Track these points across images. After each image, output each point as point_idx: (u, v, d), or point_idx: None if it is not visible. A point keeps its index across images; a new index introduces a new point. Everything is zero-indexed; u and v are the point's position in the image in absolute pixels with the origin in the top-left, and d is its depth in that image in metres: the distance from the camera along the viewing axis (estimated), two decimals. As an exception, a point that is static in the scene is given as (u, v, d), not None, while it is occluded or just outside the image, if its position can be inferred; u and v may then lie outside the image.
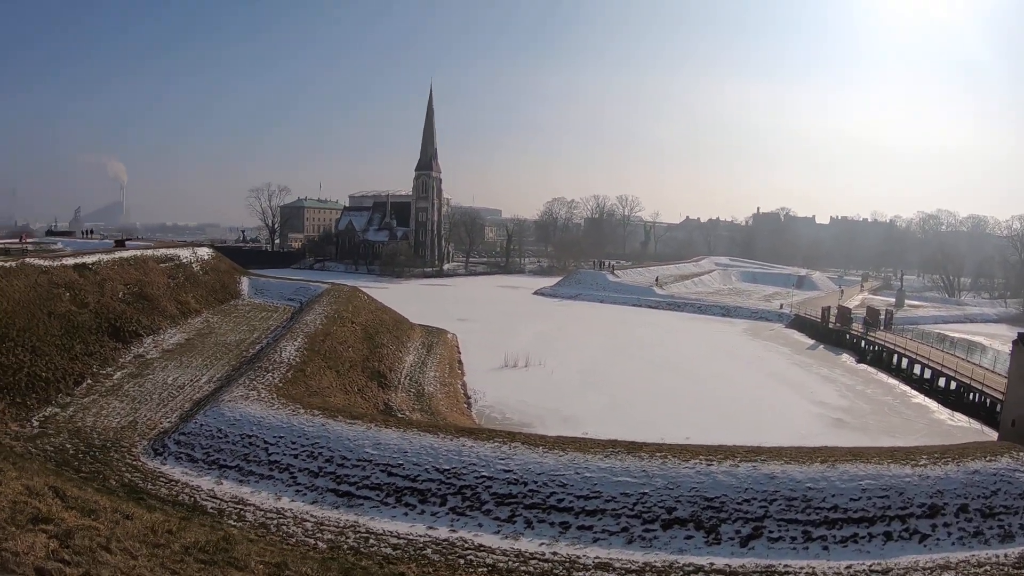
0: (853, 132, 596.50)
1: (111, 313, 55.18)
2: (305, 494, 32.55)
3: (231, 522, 27.60)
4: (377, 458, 34.00)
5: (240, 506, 30.45)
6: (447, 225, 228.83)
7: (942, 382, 73.19)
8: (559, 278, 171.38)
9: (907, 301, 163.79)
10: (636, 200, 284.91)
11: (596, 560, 27.01)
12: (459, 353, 77.48)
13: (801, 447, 38.03)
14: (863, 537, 31.82)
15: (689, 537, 30.11)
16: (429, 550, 26.70)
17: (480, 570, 25.13)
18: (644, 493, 31.52)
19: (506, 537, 28.78)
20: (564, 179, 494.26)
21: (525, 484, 31.84)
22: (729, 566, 27.96)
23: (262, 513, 29.73)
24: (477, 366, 71.87)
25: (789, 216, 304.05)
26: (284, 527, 28.11)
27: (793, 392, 69.70)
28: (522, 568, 25.70)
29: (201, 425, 38.71)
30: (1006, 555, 32.53)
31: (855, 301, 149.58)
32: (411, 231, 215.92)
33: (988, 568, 30.98)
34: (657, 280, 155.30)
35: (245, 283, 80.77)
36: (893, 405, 68.25)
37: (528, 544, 28.16)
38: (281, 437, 36.72)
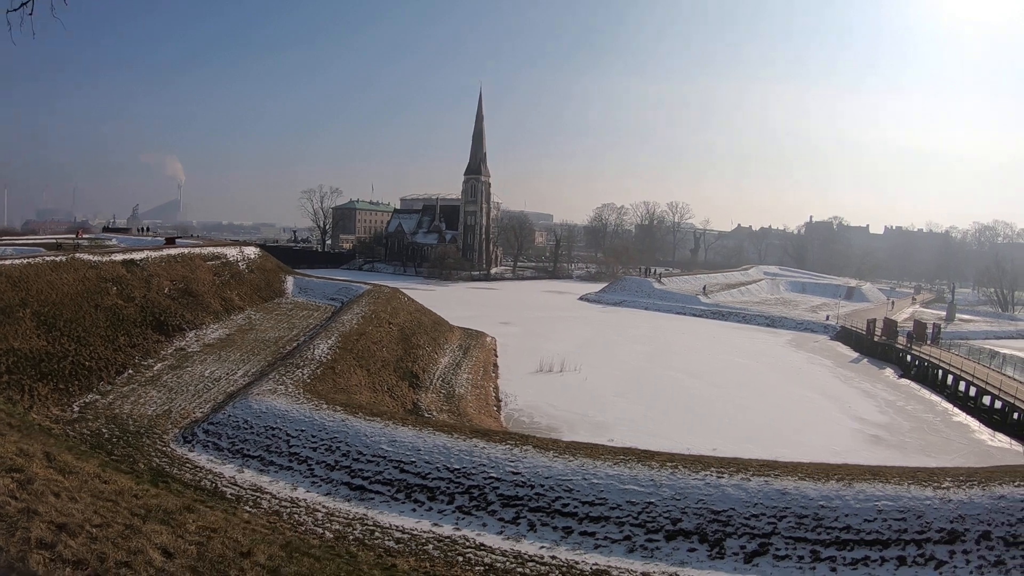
0: (907, 141, 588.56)
1: (156, 307, 56.88)
2: (320, 486, 33.46)
3: (247, 508, 28.66)
4: (391, 455, 34.69)
5: (257, 493, 31.49)
6: (496, 229, 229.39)
7: (987, 400, 71.73)
8: (606, 284, 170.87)
9: (959, 315, 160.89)
10: (687, 207, 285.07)
11: (594, 567, 27.20)
12: (496, 356, 78.11)
13: (819, 463, 37.48)
14: (875, 560, 31.36)
15: (692, 550, 30.11)
16: (431, 546, 27.21)
17: (477, 568, 25.50)
18: (650, 503, 31.63)
19: (508, 538, 29.17)
20: (611, 186, 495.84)
21: (532, 487, 32.19)
22: (729, 582, 27.53)
23: (277, 501, 30.73)
24: (513, 370, 72.39)
25: (842, 226, 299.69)
26: (296, 515, 28.98)
27: (832, 406, 68.89)
28: (519, 570, 26.00)
29: (229, 416, 40.04)
30: (1032, 589, 31.95)
31: (905, 314, 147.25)
32: (459, 234, 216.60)
33: (1018, 602, 30.50)
34: (704, 289, 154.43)
35: (290, 282, 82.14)
36: (933, 423, 67.11)
37: (529, 546, 28.50)
38: (303, 431, 37.68)
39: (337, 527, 28.05)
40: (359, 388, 50.79)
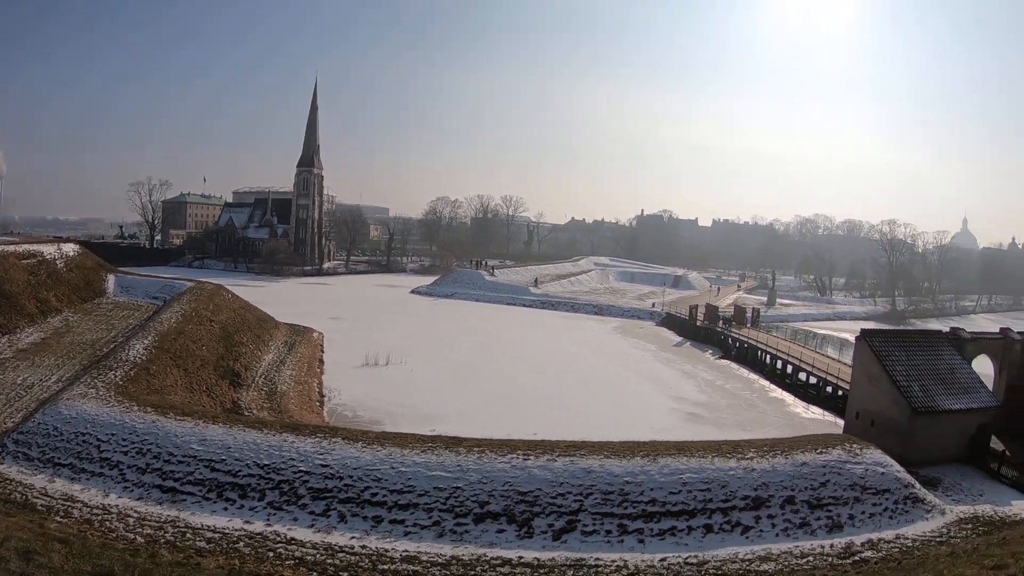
0: (736, 139, 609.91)
1: (-39, 312, 53.74)
2: (132, 490, 32.66)
3: (57, 518, 27.78)
4: (202, 454, 34.22)
5: (68, 503, 30.43)
6: (328, 223, 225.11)
7: (802, 376, 76.82)
8: (438, 277, 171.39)
9: (779, 300, 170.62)
10: (520, 200, 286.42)
11: (404, 553, 27.77)
12: (322, 352, 77.76)
13: (626, 441, 39.02)
14: (682, 530, 33.00)
15: (501, 531, 30.92)
16: (242, 543, 27.15)
17: (288, 563, 25.61)
18: (458, 487, 32.36)
19: (319, 531, 29.43)
20: (447, 179, 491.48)
21: (341, 479, 32.53)
22: (538, 559, 28.71)
23: (88, 510, 29.82)
24: (339, 365, 72.24)
25: (672, 218, 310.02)
26: (107, 523, 28.23)
27: (654, 388, 71.99)
28: (329, 561, 26.23)
29: (39, 424, 38.39)
30: (832, 545, 34.08)
31: (729, 299, 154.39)
32: (291, 229, 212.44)
33: (811, 559, 32.47)
34: (536, 281, 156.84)
35: (111, 281, 78.64)
36: (750, 399, 71.10)
37: (339, 538, 28.83)
38: (113, 435, 36.66)
39: (149, 531, 27.54)
40: (174, 388, 49.39)
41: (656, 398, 67.50)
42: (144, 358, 50.71)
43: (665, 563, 29.98)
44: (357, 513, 30.79)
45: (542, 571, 27.60)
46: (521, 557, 28.74)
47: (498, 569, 27.55)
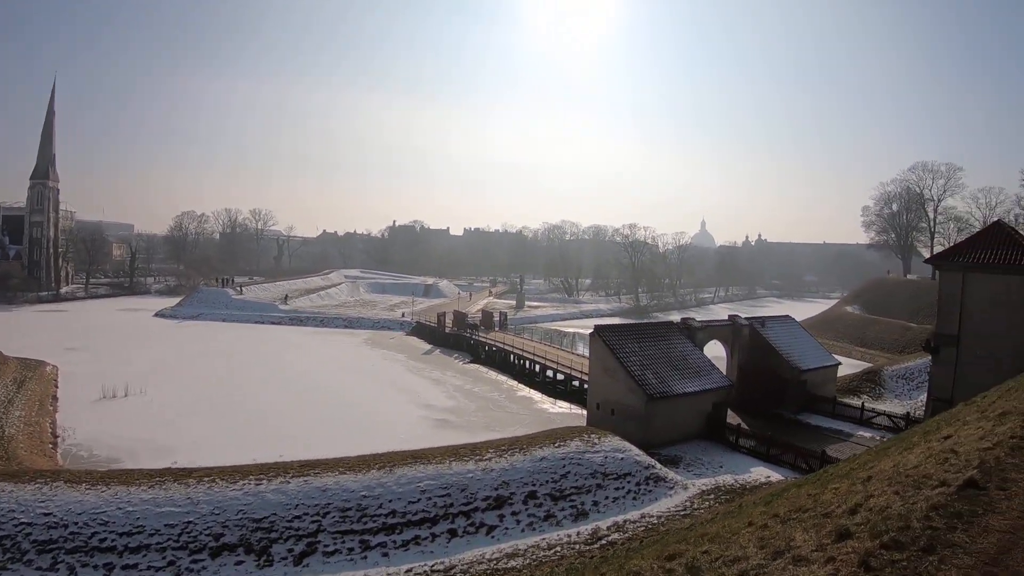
0: (489, 150, 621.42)
1: None
2: None
3: None
4: None
5: None
6: (65, 242, 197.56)
7: (550, 374, 78.60)
8: (183, 298, 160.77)
9: (528, 302, 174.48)
10: (270, 214, 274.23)
11: (131, 601, 25.15)
12: (56, 387, 70.48)
13: (362, 455, 38.18)
14: (425, 538, 32.45)
15: (239, 562, 29.30)
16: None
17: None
18: (189, 522, 30.21)
19: (48, 588, 26.24)
20: (197, 192, 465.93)
21: (66, 527, 29.44)
22: (281, 587, 26.98)
23: None
24: (75, 400, 65.63)
25: (424, 228, 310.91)
26: None
27: (402, 397, 70.90)
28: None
29: None
30: (578, 533, 34.34)
31: (479, 305, 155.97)
32: (24, 250, 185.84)
33: (559, 548, 32.50)
34: (286, 297, 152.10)
35: None
36: (499, 400, 71.48)
37: (67, 593, 25.79)
38: None
39: None
40: None
41: (405, 408, 66.44)
42: None
43: (411, 573, 29.69)
44: (87, 563, 28.05)
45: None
46: (262, 587, 27.10)
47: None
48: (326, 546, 30.57)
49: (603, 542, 33.20)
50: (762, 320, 68.93)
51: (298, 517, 31.29)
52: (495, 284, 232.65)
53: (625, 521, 35.63)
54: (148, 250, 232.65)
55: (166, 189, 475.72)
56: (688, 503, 38.59)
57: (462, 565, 30.61)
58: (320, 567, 29.53)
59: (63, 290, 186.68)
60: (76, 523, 29.45)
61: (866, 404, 63.07)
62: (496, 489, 35.63)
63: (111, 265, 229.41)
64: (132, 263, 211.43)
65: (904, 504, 11.45)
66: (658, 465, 42.24)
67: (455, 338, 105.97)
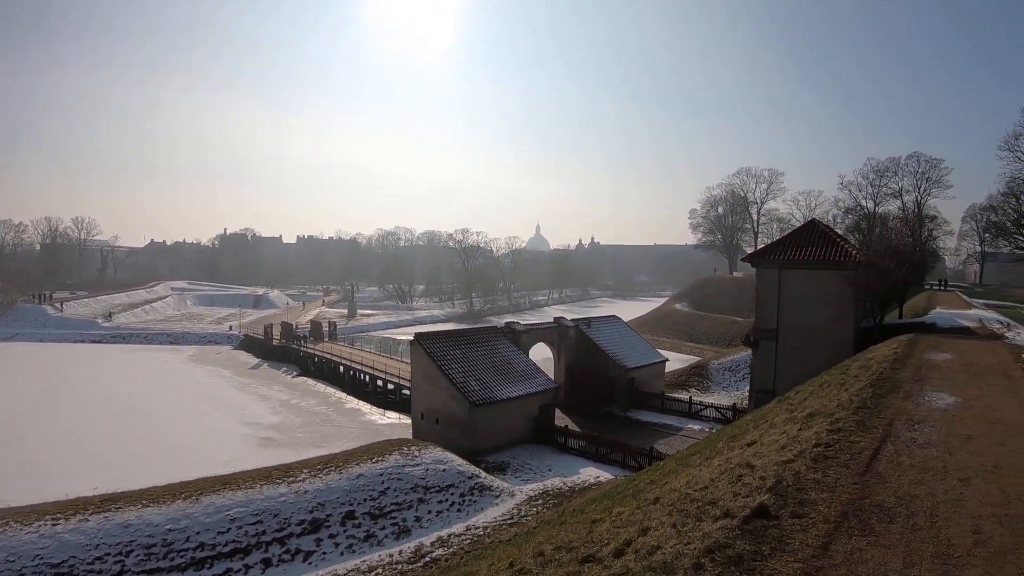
0: (330, 156, 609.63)
1: None
2: None
3: None
4: None
5: None
6: None
7: (380, 383, 76.60)
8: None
9: (361, 311, 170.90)
10: (93, 222, 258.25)
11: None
12: None
13: (167, 485, 35.36)
14: (238, 570, 30.50)
15: (36, 614, 26.24)
16: None
17: None
18: (-23, 575, 26.92)
19: None
20: (14, 198, 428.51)
21: None
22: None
23: None
24: None
25: (256, 236, 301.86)
26: None
27: (226, 416, 67.44)
28: None
29: None
30: (400, 551, 32.73)
31: (311, 315, 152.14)
32: None
33: (380, 570, 30.77)
34: (110, 314, 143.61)
35: None
36: (326, 414, 69.12)
37: None
38: None
39: None
40: None
41: (228, 426, 63.15)
42: None
43: (220, 611, 27.37)
44: None
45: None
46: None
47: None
48: (128, 587, 27.90)
49: (427, 559, 31.85)
50: (588, 321, 69.42)
51: (99, 559, 28.51)
52: (328, 293, 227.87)
53: (450, 535, 34.37)
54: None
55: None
56: (515, 510, 37.65)
57: (277, 597, 28.80)
58: (123, 611, 26.94)
59: None
60: None
61: (694, 397, 64.24)
62: (311, 512, 33.70)
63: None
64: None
65: (678, 543, 10.28)
66: (483, 474, 41.19)
67: (283, 351, 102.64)
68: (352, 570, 30.91)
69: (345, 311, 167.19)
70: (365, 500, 35.59)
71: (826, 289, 46.23)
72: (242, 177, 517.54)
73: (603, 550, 11.66)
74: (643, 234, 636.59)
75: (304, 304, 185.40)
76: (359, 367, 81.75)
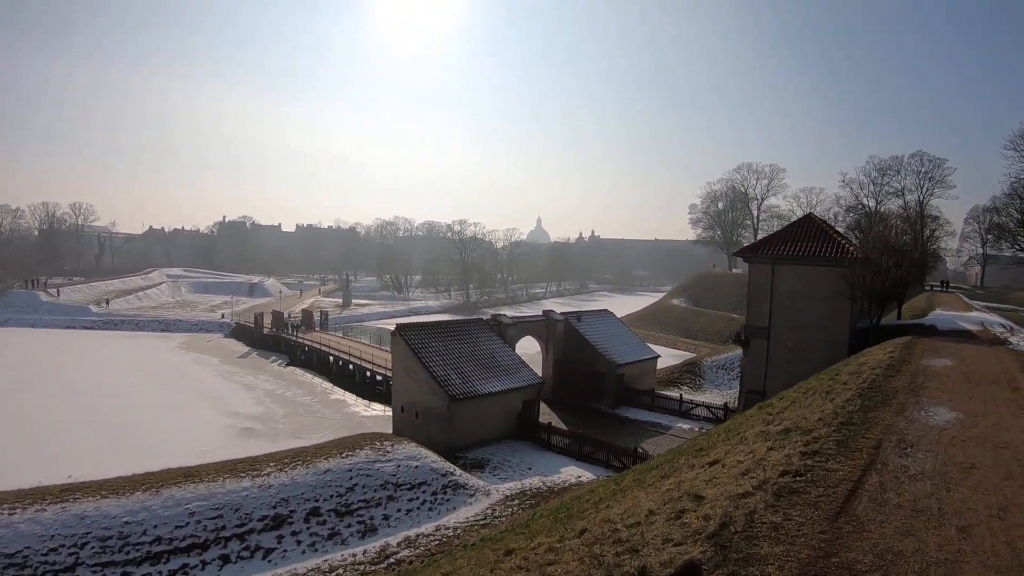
0: (325, 145, 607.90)
1: None
2: None
3: None
4: None
5: None
6: None
7: (368, 375, 75.23)
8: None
9: (356, 300, 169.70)
10: (91, 208, 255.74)
11: None
12: None
13: (127, 476, 33.98)
14: (195, 566, 29.21)
15: (-11, 605, 25.41)
16: None
17: None
18: (-70, 563, 25.96)
19: None
20: (13, 183, 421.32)
21: None
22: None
23: None
24: None
25: (254, 224, 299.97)
26: None
27: (208, 405, 66.08)
28: None
29: None
30: (365, 551, 31.46)
31: (306, 304, 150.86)
32: None
33: (341, 571, 29.54)
34: (107, 300, 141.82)
35: None
36: (310, 405, 67.84)
37: None
38: None
39: None
40: None
41: (210, 416, 61.81)
42: None
43: (175, 609, 26.10)
44: None
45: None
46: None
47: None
48: (84, 583, 26.69)
49: (391, 560, 30.51)
50: (578, 315, 68.13)
51: (54, 550, 27.38)
52: (324, 282, 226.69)
53: (418, 535, 32.98)
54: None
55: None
56: (489, 511, 36.29)
57: (233, 596, 27.48)
58: (70, 606, 25.74)
59: None
60: None
61: (685, 396, 63.07)
62: (274, 507, 32.31)
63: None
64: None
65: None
66: (458, 471, 39.79)
67: (273, 339, 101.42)
68: (313, 569, 29.58)
69: (339, 300, 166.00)
70: (331, 496, 34.21)
71: (821, 287, 44.64)
72: (241, 165, 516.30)
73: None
74: (645, 229, 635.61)
75: (301, 293, 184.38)
76: (347, 357, 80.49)
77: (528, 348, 65.92)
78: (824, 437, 14.76)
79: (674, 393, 64.42)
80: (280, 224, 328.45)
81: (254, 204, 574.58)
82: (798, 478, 11.99)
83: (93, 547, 27.94)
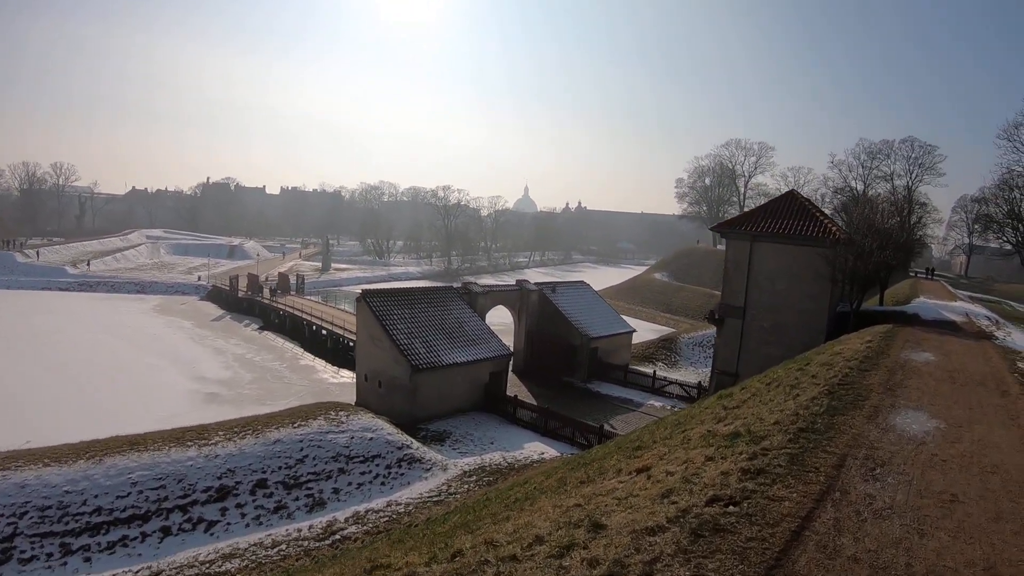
0: (310, 106, 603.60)
1: None
2: None
3: None
4: None
5: None
6: None
7: (341, 341, 74.00)
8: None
9: (335, 264, 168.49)
10: (72, 168, 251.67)
11: None
12: None
13: (72, 444, 32.67)
14: (135, 538, 28.35)
15: (-79, 577, 24.51)
16: None
17: None
18: None
19: None
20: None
21: None
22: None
23: None
24: None
25: (239, 186, 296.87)
26: None
27: (176, 370, 64.86)
28: None
29: None
30: (311, 527, 30.52)
31: (285, 267, 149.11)
32: None
33: (284, 546, 28.57)
34: (87, 261, 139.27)
35: None
36: (278, 371, 66.75)
37: None
38: None
39: None
40: None
41: (175, 381, 60.69)
42: None
43: (115, 581, 24.98)
44: None
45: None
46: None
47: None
48: (22, 552, 26.11)
49: (337, 536, 29.47)
50: (553, 286, 66.70)
51: (-7, 519, 26.28)
52: (306, 246, 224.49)
53: (367, 511, 31.89)
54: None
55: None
56: (445, 487, 35.23)
57: (171, 569, 26.61)
58: (15, 576, 25.00)
59: None
60: None
61: (658, 372, 62.28)
62: (220, 479, 31.20)
63: None
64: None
65: None
66: (415, 444, 38.67)
67: (248, 303, 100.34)
68: (255, 544, 28.53)
69: (318, 264, 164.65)
70: (280, 468, 33.07)
71: (801, 267, 43.18)
72: (226, 126, 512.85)
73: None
74: (633, 202, 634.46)
75: (284, 255, 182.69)
76: (320, 322, 79.36)
77: (503, 318, 64.89)
78: (776, 448, 12.56)
79: (648, 369, 63.48)
80: (264, 187, 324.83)
81: (238, 166, 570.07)
82: (730, 509, 9.60)
83: (32, 517, 27.05)
